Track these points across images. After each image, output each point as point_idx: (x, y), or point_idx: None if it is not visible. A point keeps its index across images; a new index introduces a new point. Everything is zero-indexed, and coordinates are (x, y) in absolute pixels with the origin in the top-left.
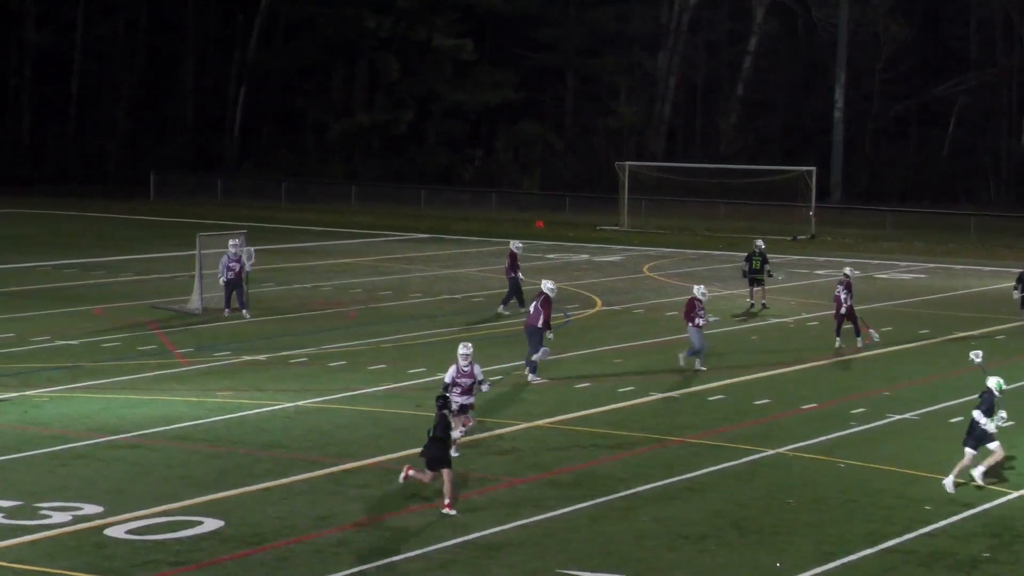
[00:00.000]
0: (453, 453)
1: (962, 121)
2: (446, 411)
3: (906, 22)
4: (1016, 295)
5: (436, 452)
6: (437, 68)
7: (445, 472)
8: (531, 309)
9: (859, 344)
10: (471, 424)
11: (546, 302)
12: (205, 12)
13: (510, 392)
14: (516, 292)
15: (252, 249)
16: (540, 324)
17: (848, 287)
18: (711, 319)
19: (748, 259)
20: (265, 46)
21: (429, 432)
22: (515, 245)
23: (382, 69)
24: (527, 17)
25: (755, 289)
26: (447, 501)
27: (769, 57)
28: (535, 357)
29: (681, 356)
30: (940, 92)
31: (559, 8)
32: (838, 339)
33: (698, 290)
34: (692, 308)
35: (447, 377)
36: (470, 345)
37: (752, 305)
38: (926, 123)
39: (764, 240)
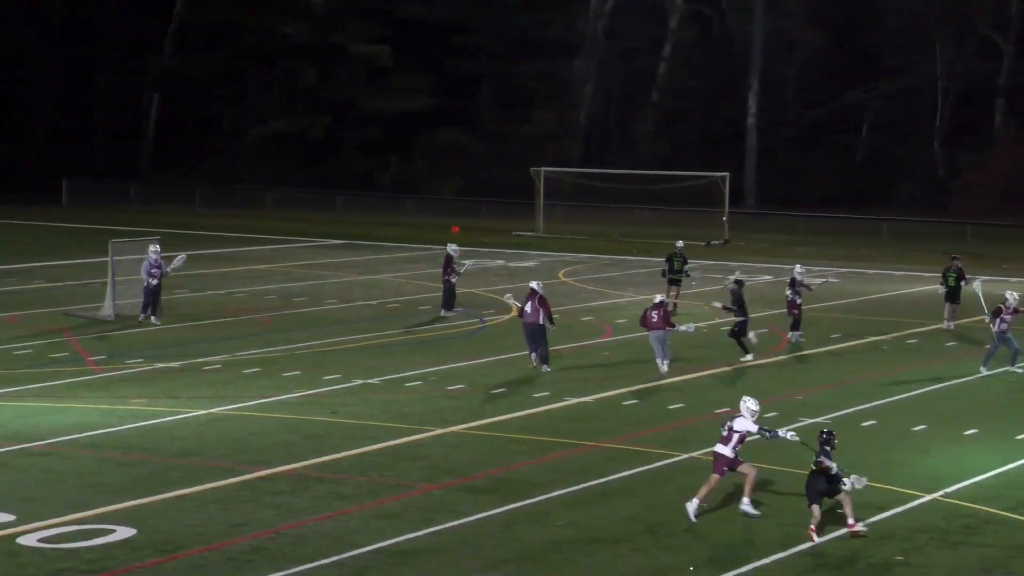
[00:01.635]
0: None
1: (875, 127)
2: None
3: (820, 29)
4: (940, 290)
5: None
6: (354, 74)
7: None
8: (527, 309)
9: (789, 337)
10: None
11: (542, 299)
12: (121, 19)
13: (425, 399)
14: (448, 295)
15: (184, 254)
16: (542, 321)
17: (796, 284)
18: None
19: (669, 260)
20: (181, 53)
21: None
22: (451, 248)
23: (299, 75)
24: (444, 23)
25: (671, 287)
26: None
27: (685, 64)
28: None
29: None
30: (854, 99)
31: (477, 15)
32: (792, 334)
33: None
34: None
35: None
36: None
37: (674, 306)
38: (840, 129)
39: (681, 242)
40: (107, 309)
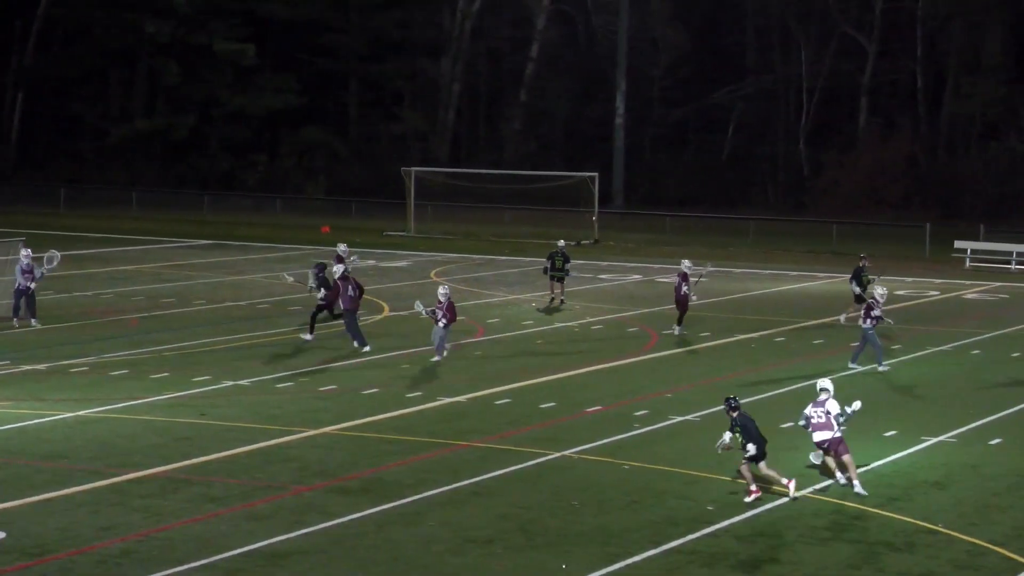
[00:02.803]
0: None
1: (740, 127)
2: None
3: (685, 29)
4: (855, 290)
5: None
6: (218, 73)
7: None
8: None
9: (675, 331)
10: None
11: (450, 306)
12: None
13: (296, 400)
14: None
15: (58, 253)
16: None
17: (685, 278)
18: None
19: (550, 258)
20: (43, 51)
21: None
22: (341, 248)
23: (162, 74)
24: (309, 22)
25: (555, 284)
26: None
27: (551, 64)
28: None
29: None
30: (718, 98)
31: (341, 14)
32: (678, 327)
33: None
34: None
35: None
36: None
37: (552, 300)
38: (705, 129)
39: (563, 241)
40: None
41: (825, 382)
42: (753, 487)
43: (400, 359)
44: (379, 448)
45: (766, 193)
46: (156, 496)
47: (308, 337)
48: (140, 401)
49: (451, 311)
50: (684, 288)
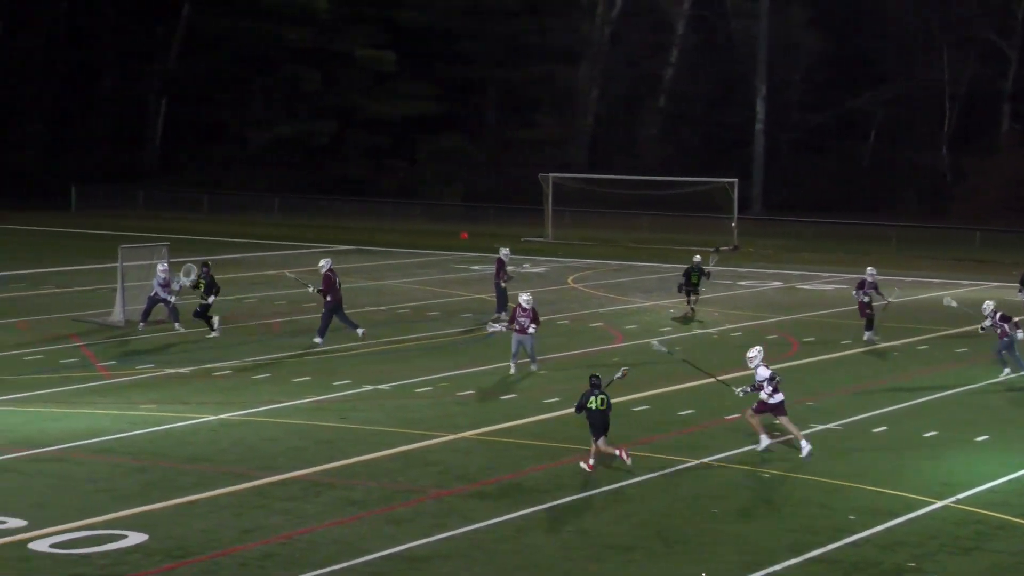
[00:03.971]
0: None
1: (881, 133)
2: None
3: (824, 34)
4: (1021, 296)
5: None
6: (358, 80)
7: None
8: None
9: (866, 338)
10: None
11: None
12: (125, 25)
13: (436, 404)
14: (501, 299)
15: (195, 267)
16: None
17: (862, 286)
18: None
19: (686, 274)
20: (186, 58)
21: None
22: (503, 252)
23: (303, 81)
24: (447, 29)
25: (690, 297)
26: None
27: (690, 69)
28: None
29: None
30: (859, 104)
31: (478, 21)
32: (867, 334)
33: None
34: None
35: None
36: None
37: (692, 311)
38: (845, 135)
39: (699, 256)
40: (117, 315)
41: (753, 350)
42: (592, 462)
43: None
44: (518, 453)
45: (906, 200)
46: (298, 499)
47: (362, 331)
48: (282, 404)
49: (537, 318)
50: (862, 295)
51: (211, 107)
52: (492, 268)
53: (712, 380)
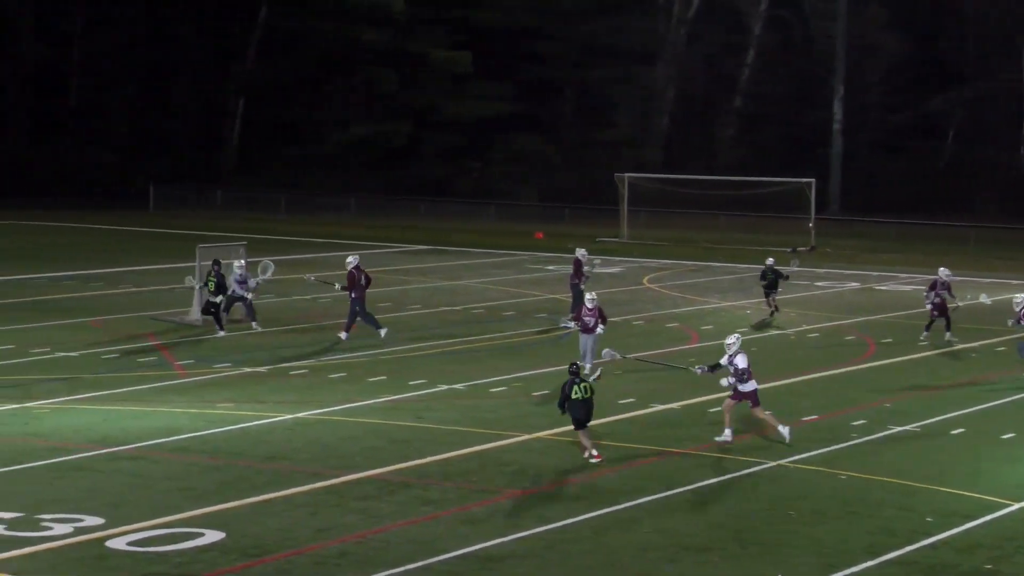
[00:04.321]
0: None
1: (960, 133)
2: None
3: (902, 35)
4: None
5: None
6: (434, 80)
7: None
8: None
9: (947, 338)
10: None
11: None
12: (203, 25)
13: (511, 404)
14: (577, 299)
15: (272, 263)
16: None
17: (935, 286)
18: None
19: (763, 276)
20: (263, 59)
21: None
22: (580, 252)
23: (379, 81)
24: (523, 30)
25: (771, 298)
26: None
27: (767, 69)
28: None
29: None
30: (938, 105)
31: (554, 21)
32: (947, 334)
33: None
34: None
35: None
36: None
37: (773, 313)
38: (924, 135)
39: (771, 259)
40: (194, 314)
41: (731, 337)
42: (595, 451)
43: (612, 365)
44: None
45: (985, 201)
46: (373, 498)
47: (384, 331)
48: (358, 404)
49: (603, 316)
50: (933, 297)
51: (288, 108)
52: (568, 269)
53: (683, 369)
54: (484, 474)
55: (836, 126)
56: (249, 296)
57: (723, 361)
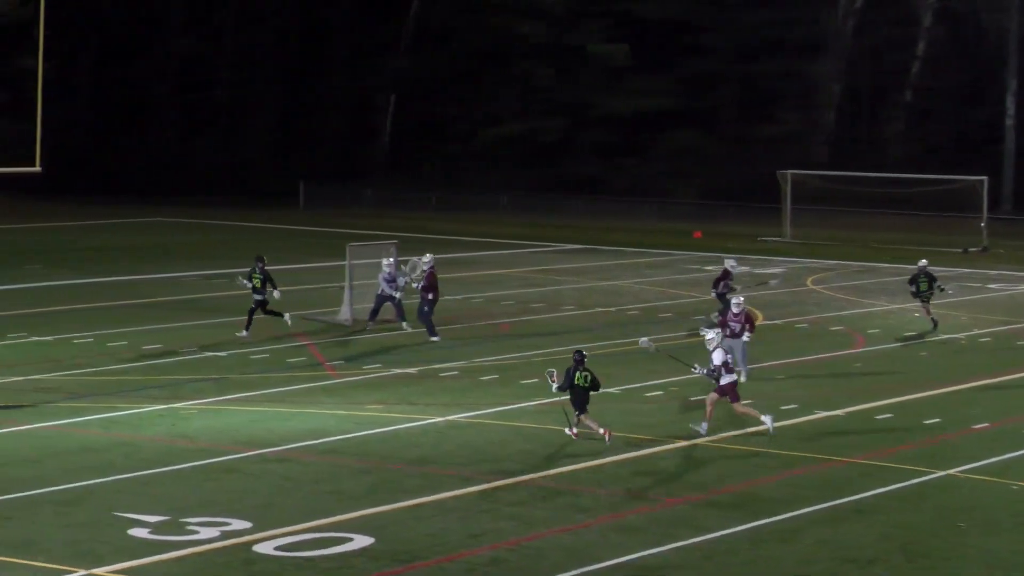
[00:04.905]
0: None
1: None
2: None
3: None
4: None
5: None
6: (591, 74)
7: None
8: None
9: None
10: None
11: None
12: (354, 20)
13: (666, 410)
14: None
15: (419, 260)
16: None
17: None
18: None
19: (913, 281)
20: (414, 54)
21: None
22: (729, 263)
23: (534, 76)
24: (682, 22)
25: (927, 306)
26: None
27: (937, 63)
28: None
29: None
30: None
31: (715, 12)
32: None
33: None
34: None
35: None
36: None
37: (935, 324)
38: None
39: (924, 260)
40: (344, 313)
41: (710, 333)
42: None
43: (773, 370)
44: (752, 461)
45: None
46: (526, 504)
47: (437, 338)
48: (510, 407)
49: (751, 321)
50: None
51: (440, 104)
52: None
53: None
54: (639, 481)
55: (1009, 122)
56: (398, 295)
57: (716, 359)
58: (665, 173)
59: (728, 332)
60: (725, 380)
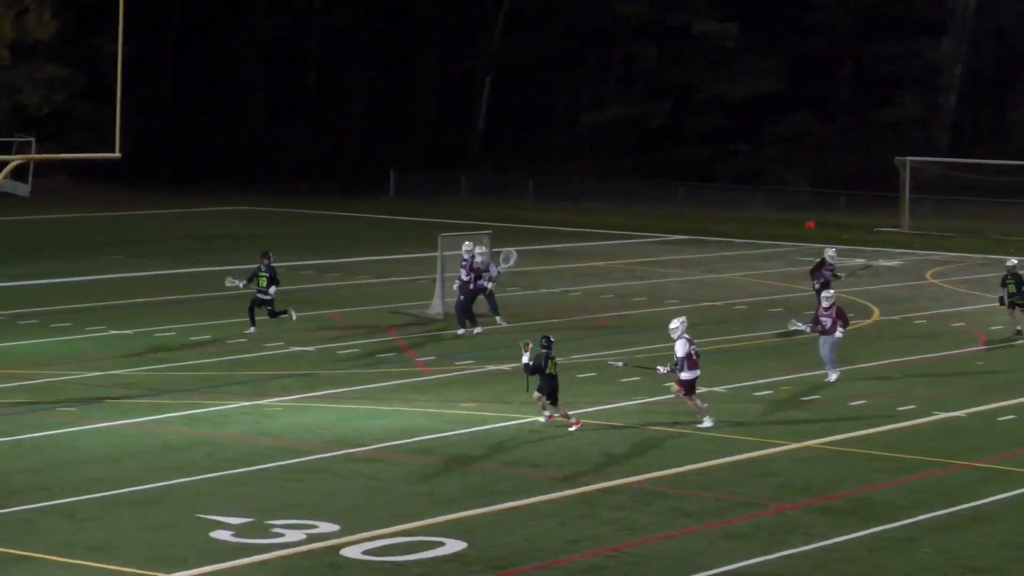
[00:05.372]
0: None
1: None
2: None
3: None
4: None
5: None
6: (698, 56)
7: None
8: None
9: None
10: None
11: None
12: (446, 1)
13: (777, 410)
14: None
15: (515, 251)
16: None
17: None
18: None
19: (1003, 283)
20: (511, 36)
21: None
22: (829, 253)
23: (637, 58)
24: (795, 0)
25: (1015, 312)
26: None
27: None
28: None
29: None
30: None
31: None
32: None
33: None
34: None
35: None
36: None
37: (1019, 332)
38: None
39: (1013, 260)
40: (435, 307)
41: (675, 322)
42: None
43: (890, 368)
44: (867, 465)
45: None
46: (627, 508)
47: (478, 330)
48: (609, 406)
49: (843, 316)
50: None
51: (538, 87)
52: (842, 262)
53: None
54: (747, 485)
55: None
56: (489, 286)
57: (679, 351)
58: (776, 160)
59: (819, 328)
60: (687, 375)
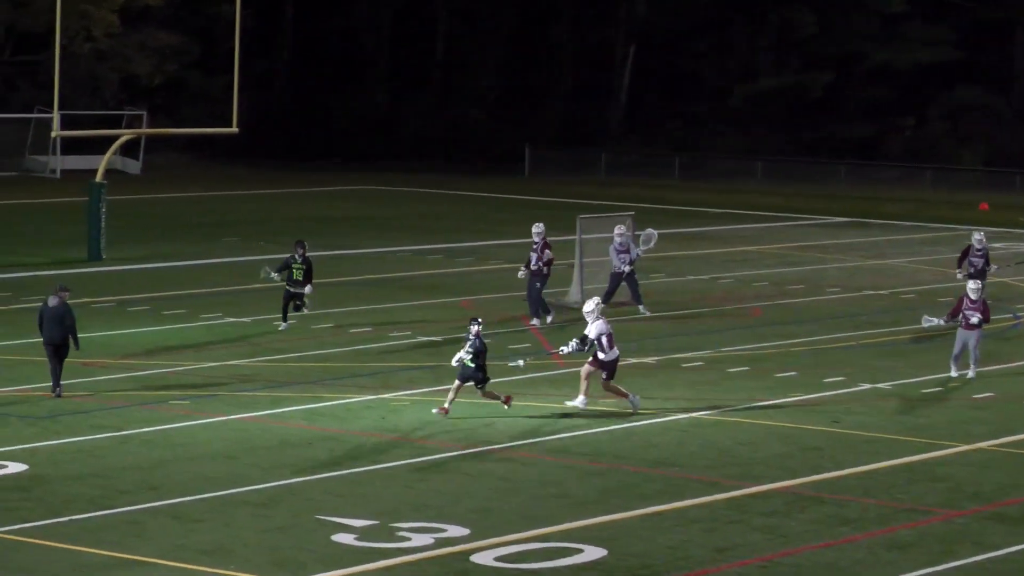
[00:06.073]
0: None
1: None
2: None
3: None
4: None
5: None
6: (861, 22)
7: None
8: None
9: None
10: None
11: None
12: None
13: (946, 408)
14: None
15: (655, 232)
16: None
17: None
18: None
19: None
20: (654, 1)
21: None
22: (976, 238)
23: (794, 25)
24: None
25: None
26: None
27: None
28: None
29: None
30: None
31: None
32: None
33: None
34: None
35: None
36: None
37: None
38: None
39: None
40: (573, 294)
41: (589, 303)
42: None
43: None
44: None
45: None
46: (780, 514)
47: (549, 319)
48: (762, 403)
49: (986, 313)
50: None
51: (685, 57)
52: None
53: None
54: (913, 490)
55: None
56: (627, 269)
57: (591, 332)
58: (946, 135)
59: (963, 322)
60: (608, 356)
